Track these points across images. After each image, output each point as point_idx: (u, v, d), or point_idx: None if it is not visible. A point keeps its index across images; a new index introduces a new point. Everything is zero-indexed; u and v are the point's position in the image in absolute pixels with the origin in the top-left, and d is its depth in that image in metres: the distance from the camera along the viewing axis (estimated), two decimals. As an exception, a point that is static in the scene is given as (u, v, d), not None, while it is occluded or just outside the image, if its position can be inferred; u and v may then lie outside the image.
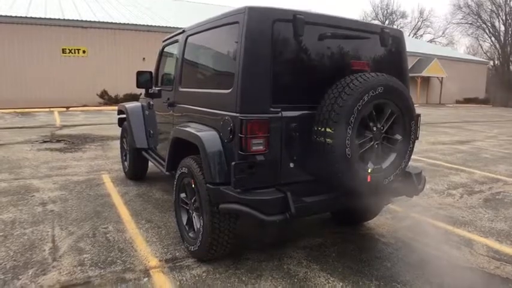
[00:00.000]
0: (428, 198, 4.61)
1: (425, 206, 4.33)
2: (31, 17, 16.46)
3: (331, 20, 2.68)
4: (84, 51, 17.66)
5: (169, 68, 4.02)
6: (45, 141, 8.04)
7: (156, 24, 19.21)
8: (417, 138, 2.79)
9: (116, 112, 5.43)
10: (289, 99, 2.53)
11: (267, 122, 2.40)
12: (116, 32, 18.26)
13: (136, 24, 18.77)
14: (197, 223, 2.86)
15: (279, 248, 3.12)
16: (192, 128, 2.89)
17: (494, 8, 40.25)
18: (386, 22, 48.51)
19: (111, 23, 18.30)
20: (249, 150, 2.36)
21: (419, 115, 2.81)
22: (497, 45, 41.44)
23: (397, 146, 2.65)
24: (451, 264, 2.93)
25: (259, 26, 2.41)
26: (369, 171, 2.50)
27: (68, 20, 17.24)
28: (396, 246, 3.25)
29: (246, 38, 2.39)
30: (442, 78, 29.41)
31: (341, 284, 2.60)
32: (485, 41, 43.90)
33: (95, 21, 17.87)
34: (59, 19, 17.03)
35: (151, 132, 4.49)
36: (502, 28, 40.28)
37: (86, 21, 17.65)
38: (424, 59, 28.33)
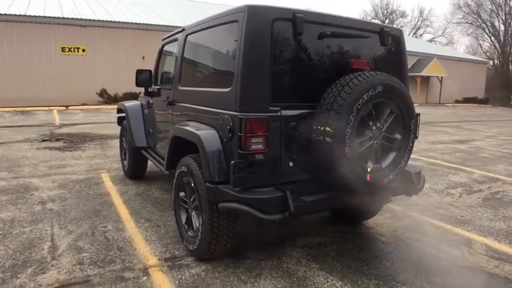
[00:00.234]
0: (427, 198, 4.61)
1: (424, 205, 4.33)
2: (30, 16, 16.41)
3: (330, 19, 2.68)
4: (83, 50, 17.62)
5: (169, 66, 4.01)
6: (44, 140, 8.03)
7: (156, 23, 19.18)
8: (416, 137, 2.79)
9: (115, 111, 5.42)
10: (289, 98, 2.53)
11: (266, 121, 2.40)
12: (116, 30, 18.23)
13: (136, 23, 18.73)
14: (196, 222, 2.86)
15: (278, 247, 3.12)
16: (192, 127, 2.89)
17: (494, 8, 40.31)
18: (386, 21, 48.51)
19: (111, 21, 18.26)
20: (248, 149, 2.36)
21: (418, 114, 2.81)
22: (497, 45, 41.49)
23: (397, 145, 2.66)
24: (450, 263, 2.94)
25: (259, 25, 2.41)
26: (369, 170, 2.50)
27: (67, 18, 17.20)
28: (395, 245, 3.25)
29: (245, 36, 2.39)
30: (441, 77, 29.42)
31: (340, 282, 2.61)
32: (485, 40, 44.00)
33: (94, 20, 17.83)
34: (58, 17, 16.99)
35: (151, 131, 4.49)
36: (502, 28, 40.36)
37: (85, 19, 17.61)
38: (424, 59, 28.34)
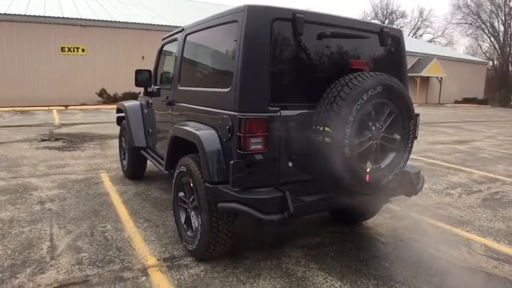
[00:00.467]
0: (426, 198, 4.61)
1: (423, 205, 4.33)
2: (30, 15, 16.40)
3: (330, 19, 2.68)
4: (83, 50, 17.61)
5: (168, 66, 4.01)
6: (43, 140, 8.02)
7: (156, 23, 19.17)
8: (416, 137, 2.79)
9: (115, 111, 5.42)
10: (288, 98, 2.53)
11: (265, 121, 2.40)
12: (115, 30, 18.22)
13: (135, 23, 18.72)
14: (195, 222, 2.85)
15: (277, 247, 3.12)
16: (191, 127, 2.88)
17: (494, 9, 40.32)
18: (386, 22, 48.52)
19: (111, 21, 18.25)
20: (247, 149, 2.36)
21: (418, 115, 2.81)
22: (497, 46, 41.51)
23: (396, 145, 2.65)
24: (449, 263, 2.94)
25: (258, 25, 2.41)
26: (368, 170, 2.50)
27: (67, 18, 17.18)
28: (395, 245, 3.25)
29: (244, 36, 2.39)
30: (441, 78, 29.44)
31: (339, 283, 2.60)
32: (484, 41, 44.00)
33: (94, 20, 17.82)
34: (58, 17, 16.97)
35: (150, 130, 4.49)
36: (502, 28, 40.37)
37: (85, 19, 17.60)
38: (424, 59, 28.35)
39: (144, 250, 2.99)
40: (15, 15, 16.13)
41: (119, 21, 18.43)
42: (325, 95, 2.44)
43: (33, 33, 16.46)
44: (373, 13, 52.43)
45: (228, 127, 2.47)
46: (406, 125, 2.66)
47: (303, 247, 3.15)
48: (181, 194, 3.08)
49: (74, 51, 17.44)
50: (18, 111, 14.38)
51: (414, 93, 26.47)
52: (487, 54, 43.82)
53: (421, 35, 51.32)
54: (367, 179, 2.48)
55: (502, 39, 40.43)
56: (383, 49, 2.96)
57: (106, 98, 17.61)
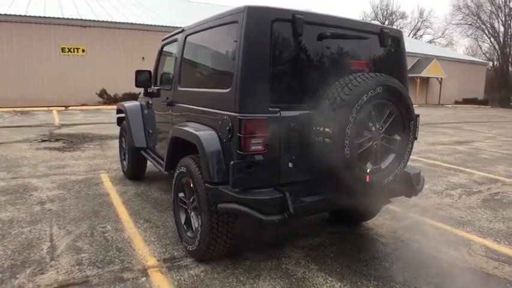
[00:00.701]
0: (427, 199, 4.61)
1: (424, 206, 4.33)
2: (30, 16, 16.40)
3: (330, 20, 2.68)
4: (83, 50, 17.62)
5: (169, 67, 4.01)
6: (43, 140, 8.02)
7: (156, 24, 19.18)
8: (416, 138, 2.79)
9: (115, 111, 5.42)
10: (288, 99, 2.53)
11: (265, 122, 2.40)
12: (116, 31, 18.22)
13: (135, 24, 18.73)
14: (195, 223, 2.85)
15: (277, 248, 3.12)
16: (191, 128, 2.88)
17: (494, 9, 40.31)
18: (386, 22, 48.53)
19: (111, 22, 18.26)
20: (247, 150, 2.36)
21: (418, 115, 2.81)
22: (497, 46, 41.50)
23: (396, 146, 2.65)
24: (449, 264, 2.93)
25: (258, 26, 2.41)
26: (368, 171, 2.50)
27: (67, 18, 17.19)
28: (395, 246, 3.25)
29: (245, 37, 2.39)
30: (441, 78, 29.44)
31: (339, 284, 2.60)
32: (484, 41, 43.98)
33: (94, 20, 17.83)
34: (58, 18, 16.98)
35: (150, 131, 4.49)
36: (502, 29, 40.35)
37: (85, 20, 17.61)
38: (424, 60, 28.36)
39: (144, 251, 2.99)
40: (15, 15, 16.14)
41: (119, 22, 18.44)
42: (325, 96, 2.44)
43: (33, 33, 16.47)
44: (373, 14, 52.46)
45: (228, 128, 2.47)
46: (406, 125, 2.66)
47: (303, 248, 3.15)
48: (181, 194, 3.08)
49: (74, 51, 17.45)
50: (18, 112, 14.38)
51: (414, 94, 26.47)
52: (487, 55, 43.85)
53: (421, 36, 51.38)
54: (367, 179, 2.48)
55: (502, 40, 40.43)
56: (383, 50, 2.96)
57: (106, 98, 17.62)
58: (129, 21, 18.79)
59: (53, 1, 19.94)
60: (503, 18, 40.02)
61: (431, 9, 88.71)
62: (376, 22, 44.78)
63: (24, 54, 16.41)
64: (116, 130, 6.15)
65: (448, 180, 5.58)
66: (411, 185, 2.92)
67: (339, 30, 2.68)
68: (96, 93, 17.59)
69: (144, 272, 2.67)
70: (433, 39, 51.05)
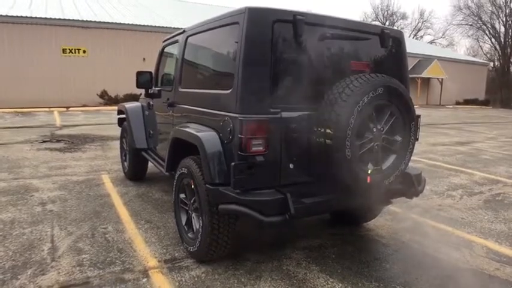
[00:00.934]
0: (428, 200, 4.60)
1: (425, 207, 4.32)
2: (31, 17, 16.44)
3: (331, 21, 2.68)
4: (84, 51, 17.64)
5: (169, 68, 4.01)
6: (45, 141, 8.03)
7: (157, 25, 19.20)
8: (417, 139, 2.79)
9: (116, 112, 5.43)
10: (289, 100, 2.53)
11: (266, 123, 2.40)
12: (116, 32, 18.24)
13: (136, 24, 18.75)
14: (196, 224, 2.85)
15: (278, 249, 3.12)
16: (192, 129, 2.89)
17: (495, 10, 40.27)
18: (387, 23, 48.50)
19: (112, 23, 18.28)
20: (248, 151, 2.36)
21: (419, 116, 2.81)
22: (498, 47, 41.45)
23: (397, 147, 2.65)
24: (450, 265, 2.93)
25: (259, 27, 2.41)
26: (369, 172, 2.49)
27: (68, 19, 17.23)
28: (396, 247, 3.25)
29: (246, 38, 2.39)
30: (442, 79, 29.42)
31: (340, 285, 2.60)
32: (485, 42, 43.94)
33: (95, 21, 17.85)
34: (59, 19, 17.01)
35: (151, 132, 4.49)
36: (502, 29, 40.30)
37: (86, 21, 17.64)
38: (424, 60, 28.34)
39: (145, 252, 2.99)
40: (17, 17, 16.17)
41: (120, 23, 18.46)
42: (326, 97, 2.44)
43: (34, 34, 16.49)
44: (373, 14, 52.42)
45: (229, 129, 2.47)
46: (407, 126, 2.66)
47: (303, 249, 3.14)
48: (182, 195, 3.08)
49: (75, 52, 17.48)
50: (19, 113, 14.40)
51: (415, 95, 26.45)
52: (488, 55, 43.81)
53: (421, 37, 51.33)
54: (369, 180, 2.48)
55: (503, 40, 40.40)
56: (384, 51, 2.96)
57: (107, 99, 17.63)
58: (130, 22, 18.81)
59: (54, 2, 19.99)
60: (503, 19, 40.00)
61: (432, 9, 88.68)
62: (376, 23, 44.77)
63: (25, 55, 16.43)
64: (116, 131, 6.16)
65: (449, 181, 5.57)
66: (412, 185, 2.91)
67: (339, 31, 2.68)
68: (97, 94, 17.61)
69: (145, 273, 2.67)
70: (433, 39, 51.04)
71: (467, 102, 30.93)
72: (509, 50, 39.65)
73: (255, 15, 2.41)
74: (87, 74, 17.56)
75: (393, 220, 3.87)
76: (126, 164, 5.19)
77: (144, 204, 4.13)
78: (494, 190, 5.16)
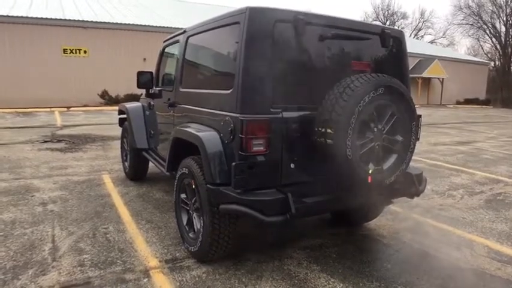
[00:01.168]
0: (429, 199, 4.60)
1: (426, 207, 4.32)
2: (32, 17, 16.45)
3: (331, 21, 2.68)
4: (85, 52, 17.66)
5: (170, 68, 4.01)
6: (45, 141, 8.04)
7: (157, 25, 19.21)
8: (418, 139, 2.79)
9: (117, 112, 5.43)
10: (290, 100, 2.53)
11: (267, 123, 2.40)
12: (117, 32, 18.26)
13: (137, 25, 18.76)
14: (197, 224, 2.85)
15: (279, 249, 3.12)
16: (193, 129, 2.89)
17: (495, 9, 40.23)
18: (387, 23, 48.47)
19: (112, 23, 18.29)
20: (249, 151, 2.36)
21: (420, 116, 2.81)
22: (498, 46, 41.42)
23: (398, 147, 2.65)
24: (452, 265, 2.93)
25: (260, 27, 2.41)
26: (370, 172, 2.49)
27: (69, 20, 17.24)
28: (397, 247, 3.24)
29: (246, 38, 2.39)
30: (442, 79, 29.39)
31: (341, 285, 2.60)
32: (486, 42, 43.90)
33: (95, 21, 17.86)
34: (59, 19, 17.03)
35: (152, 132, 4.49)
36: (503, 29, 40.27)
37: (86, 21, 17.65)
38: (425, 60, 28.31)
39: (146, 252, 2.99)
40: (17, 17, 16.19)
41: (121, 23, 18.48)
42: (327, 97, 2.44)
43: (35, 35, 16.52)
44: (374, 14, 52.41)
45: (229, 129, 2.47)
46: (408, 126, 2.65)
47: (304, 249, 3.14)
48: (183, 195, 3.08)
49: (76, 52, 17.50)
50: (20, 113, 14.42)
51: (416, 94, 26.42)
52: (489, 55, 43.76)
53: (422, 36, 51.28)
54: (370, 180, 2.48)
55: (503, 40, 40.36)
56: (384, 50, 2.95)
57: (108, 99, 17.65)
58: (131, 22, 18.83)
59: (54, 2, 20.00)
60: (504, 18, 39.97)
61: (433, 9, 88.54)
62: (377, 22, 44.74)
63: (26, 56, 16.45)
64: (117, 131, 6.16)
65: (450, 181, 5.56)
66: (413, 185, 2.91)
67: (340, 31, 2.68)
68: (98, 94, 17.63)
69: (146, 273, 2.68)
70: (434, 39, 51.00)
71: (467, 101, 30.90)
72: (509, 50, 39.62)
73: (255, 15, 2.41)
74: (88, 74, 17.57)
75: (394, 220, 3.87)
76: (127, 164, 5.19)
77: (145, 204, 4.14)
78: (495, 190, 5.16)
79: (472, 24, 42.80)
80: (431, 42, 48.41)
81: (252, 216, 2.33)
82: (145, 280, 2.58)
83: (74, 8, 19.70)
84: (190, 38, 3.45)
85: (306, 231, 3.51)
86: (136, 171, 4.98)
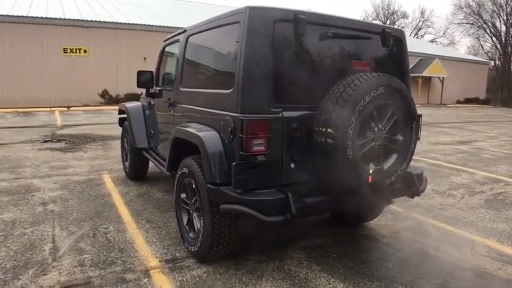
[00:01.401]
0: (429, 199, 4.60)
1: (426, 206, 4.32)
2: (32, 17, 16.46)
3: (332, 20, 2.67)
4: (85, 51, 17.66)
5: (170, 67, 4.01)
6: (46, 141, 8.04)
7: (157, 24, 19.20)
8: (418, 138, 2.78)
9: (117, 112, 5.43)
10: (290, 100, 2.52)
11: (267, 122, 2.40)
12: (117, 31, 18.26)
13: (137, 24, 18.76)
14: (197, 223, 2.85)
15: (279, 249, 3.11)
16: (193, 128, 2.88)
17: (496, 8, 40.21)
18: (388, 22, 48.45)
19: (112, 22, 18.30)
20: (249, 151, 2.36)
21: (420, 115, 2.80)
22: (498, 46, 41.40)
23: (399, 146, 2.64)
24: (452, 265, 2.92)
25: (260, 26, 2.40)
26: (370, 171, 2.49)
27: (69, 19, 17.24)
28: (397, 247, 3.24)
29: (246, 38, 2.38)
30: (443, 78, 29.37)
31: (342, 284, 2.60)
32: (486, 41, 43.89)
33: (96, 21, 17.86)
34: (60, 18, 17.03)
35: (152, 132, 4.49)
36: (503, 28, 40.26)
37: (87, 20, 17.65)
38: (425, 59, 28.29)
39: (146, 251, 2.99)
40: (17, 16, 16.19)
41: (121, 22, 18.47)
42: (328, 96, 2.44)
43: (35, 34, 16.52)
44: (374, 13, 52.42)
45: (230, 128, 2.46)
46: (408, 126, 2.65)
47: (305, 249, 3.14)
48: (183, 195, 3.08)
49: (76, 52, 17.50)
50: (20, 112, 14.42)
51: (416, 94, 26.41)
52: (489, 54, 43.74)
53: (422, 36, 51.25)
54: (370, 180, 2.48)
55: (503, 39, 40.34)
56: (385, 50, 2.95)
57: (108, 99, 17.65)
58: (131, 22, 18.82)
59: (54, 2, 20.00)
60: (504, 18, 39.95)
61: (433, 8, 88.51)
62: (377, 22, 44.72)
63: (26, 55, 16.46)
64: (117, 131, 6.16)
65: (450, 180, 5.56)
66: (414, 185, 2.91)
67: (340, 30, 2.67)
68: (98, 94, 17.63)
69: (146, 272, 2.67)
70: (434, 38, 50.98)
71: (468, 101, 30.89)
72: (510, 49, 39.59)
73: (256, 14, 2.41)
74: (88, 74, 17.58)
75: (395, 219, 3.87)
76: (127, 163, 5.19)
77: (145, 204, 4.13)
78: (495, 189, 5.15)
79: (472, 24, 42.81)
80: (432, 41, 48.41)
81: (252, 216, 2.32)
82: (146, 280, 2.58)
83: (74, 7, 19.69)
84: (190, 38, 3.44)
85: (306, 231, 3.51)
86: (136, 170, 4.98)
